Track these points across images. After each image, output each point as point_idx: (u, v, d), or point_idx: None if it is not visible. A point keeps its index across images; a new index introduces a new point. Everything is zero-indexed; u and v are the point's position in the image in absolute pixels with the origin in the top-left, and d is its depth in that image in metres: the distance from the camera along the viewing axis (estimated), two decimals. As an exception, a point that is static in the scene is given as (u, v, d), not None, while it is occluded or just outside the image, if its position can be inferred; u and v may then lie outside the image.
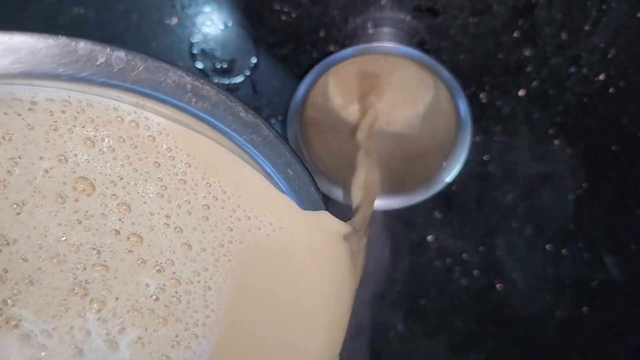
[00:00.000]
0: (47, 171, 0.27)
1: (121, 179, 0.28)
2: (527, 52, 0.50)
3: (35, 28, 0.49)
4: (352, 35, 0.50)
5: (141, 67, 0.27)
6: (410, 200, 0.46)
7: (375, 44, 0.42)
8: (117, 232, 0.28)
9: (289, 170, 0.29)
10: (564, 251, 0.57)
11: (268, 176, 0.29)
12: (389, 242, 0.58)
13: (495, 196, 0.56)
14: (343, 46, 0.51)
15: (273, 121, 0.54)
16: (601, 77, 0.51)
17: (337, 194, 0.48)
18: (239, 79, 0.53)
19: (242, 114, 0.28)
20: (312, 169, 0.47)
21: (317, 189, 0.30)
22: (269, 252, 0.29)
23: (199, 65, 0.52)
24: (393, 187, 0.47)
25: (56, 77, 0.25)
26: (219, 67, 0.52)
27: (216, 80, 0.53)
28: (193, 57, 0.52)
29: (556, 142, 0.53)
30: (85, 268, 0.29)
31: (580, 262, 0.58)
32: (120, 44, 0.51)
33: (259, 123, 0.28)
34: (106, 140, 0.27)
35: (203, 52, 0.52)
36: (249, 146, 0.28)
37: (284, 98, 0.53)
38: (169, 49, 0.52)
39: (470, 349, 0.63)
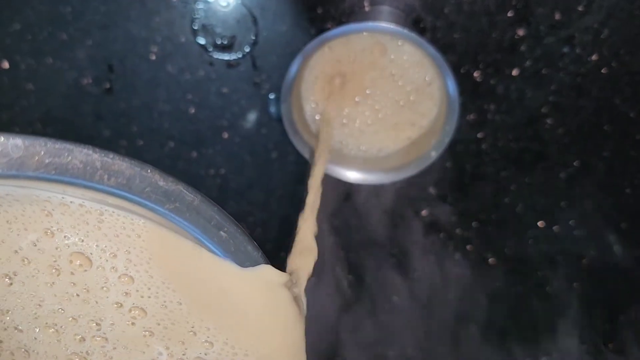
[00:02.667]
0: (35, 244, 0.26)
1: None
2: (520, 32, 0.51)
3: (44, 3, 0.50)
4: (349, 13, 0.51)
5: (42, 152, 0.25)
6: (399, 175, 0.48)
7: (364, 23, 0.43)
8: (120, 304, 0.28)
9: (222, 232, 0.28)
10: (555, 228, 0.59)
11: (201, 243, 0.28)
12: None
13: (489, 173, 0.57)
14: (340, 23, 0.52)
15: (272, 97, 0.55)
16: (594, 57, 0.51)
17: (331, 169, 0.49)
18: (239, 55, 0.54)
19: (161, 182, 0.26)
20: (302, 144, 0.48)
21: (255, 245, 0.29)
22: (221, 313, 0.29)
23: (200, 40, 0.54)
24: (384, 163, 0.48)
25: None
26: (219, 43, 0.54)
27: (217, 56, 0.54)
28: (194, 32, 0.53)
29: (549, 120, 0.54)
30: (84, 339, 0.28)
31: (571, 239, 0.59)
32: (123, 20, 0.53)
33: (181, 189, 0.27)
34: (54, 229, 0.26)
35: (204, 28, 0.53)
36: (174, 216, 0.27)
37: (284, 74, 0.54)
38: (171, 25, 0.53)
39: (462, 322, 0.64)
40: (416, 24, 0.51)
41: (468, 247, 0.60)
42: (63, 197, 0.26)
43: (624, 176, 0.56)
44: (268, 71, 0.54)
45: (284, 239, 0.61)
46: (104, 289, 0.27)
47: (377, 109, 0.47)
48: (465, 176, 0.57)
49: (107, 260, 0.27)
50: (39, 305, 0.27)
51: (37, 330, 0.28)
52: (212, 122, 0.57)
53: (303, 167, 0.58)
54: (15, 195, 0.25)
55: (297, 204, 0.59)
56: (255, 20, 0.53)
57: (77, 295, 0.27)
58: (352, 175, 0.49)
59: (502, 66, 0.52)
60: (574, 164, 0.56)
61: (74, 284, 0.27)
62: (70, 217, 0.26)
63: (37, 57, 0.56)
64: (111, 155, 0.25)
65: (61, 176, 0.25)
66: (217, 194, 0.60)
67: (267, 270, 0.29)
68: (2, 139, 0.24)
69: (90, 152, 0.25)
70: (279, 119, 0.56)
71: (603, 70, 0.52)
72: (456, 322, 0.64)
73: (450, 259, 0.61)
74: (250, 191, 0.60)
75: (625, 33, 0.50)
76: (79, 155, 0.25)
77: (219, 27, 0.53)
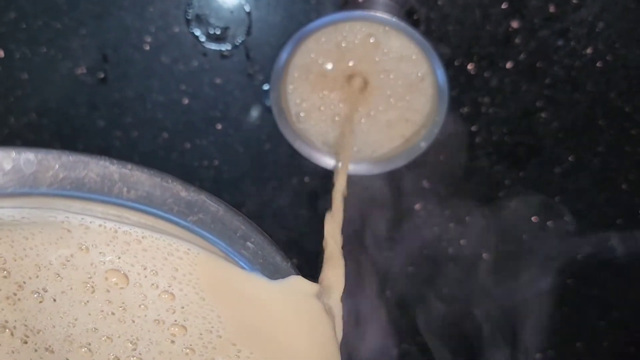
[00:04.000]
0: (68, 259, 0.25)
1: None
2: (515, 24, 0.51)
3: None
4: (343, 4, 0.51)
5: (56, 166, 0.24)
6: (389, 166, 0.47)
7: (356, 12, 0.42)
8: (159, 322, 0.27)
9: (249, 243, 0.27)
10: (549, 223, 0.58)
11: (226, 256, 0.26)
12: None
13: (483, 167, 0.57)
14: (333, 13, 0.52)
15: (266, 88, 0.55)
16: (589, 50, 0.51)
17: (322, 160, 0.49)
18: (232, 46, 0.54)
19: (183, 193, 0.25)
20: (293, 134, 0.48)
21: (283, 255, 0.28)
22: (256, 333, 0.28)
23: (194, 31, 0.53)
24: (374, 153, 0.48)
25: None
26: (212, 33, 0.53)
27: (210, 46, 0.54)
28: (188, 23, 0.53)
29: (543, 114, 0.54)
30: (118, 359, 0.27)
31: (565, 234, 0.58)
32: (117, 10, 0.53)
33: (204, 199, 0.25)
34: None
35: (198, 18, 0.53)
36: (198, 228, 0.26)
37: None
38: (165, 15, 0.53)
39: (456, 317, 0.64)
40: (409, 16, 0.51)
41: (461, 242, 0.60)
42: (82, 218, 0.25)
43: (619, 171, 0.56)
44: (261, 62, 0.54)
45: (278, 230, 0.61)
46: (142, 306, 0.26)
47: (369, 107, 0.47)
48: (459, 170, 0.57)
49: (145, 277, 0.26)
50: (72, 324, 0.26)
51: (69, 351, 0.26)
52: (205, 113, 0.57)
53: (296, 158, 0.58)
54: (31, 217, 0.24)
55: (291, 195, 0.59)
56: (248, 11, 0.53)
57: (113, 313, 0.26)
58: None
59: (496, 59, 0.52)
60: (569, 158, 0.55)
61: (110, 301, 0.26)
62: (99, 235, 0.25)
63: (31, 47, 0.56)
64: (129, 166, 0.24)
65: (77, 191, 0.24)
66: (210, 185, 0.60)
67: (298, 282, 0.28)
68: (14, 154, 0.23)
69: (107, 163, 0.24)
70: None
71: (598, 64, 0.51)
72: (450, 318, 0.64)
73: (444, 254, 0.61)
74: (244, 182, 0.60)
75: (620, 26, 0.50)
76: (95, 167, 0.24)
77: (213, 18, 0.53)
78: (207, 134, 0.58)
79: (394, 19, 0.41)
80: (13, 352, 0.26)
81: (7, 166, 0.23)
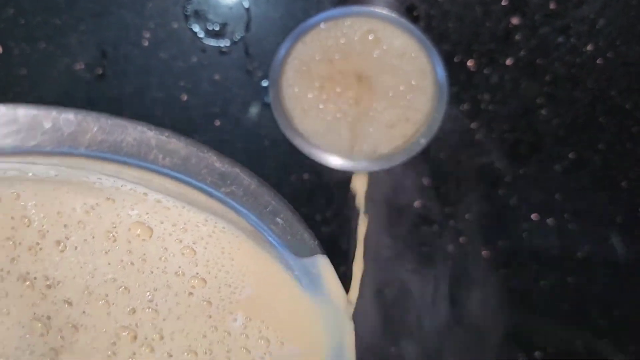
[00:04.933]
0: (94, 207, 0.25)
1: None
2: (515, 21, 0.50)
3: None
4: (343, 0, 0.51)
5: (95, 128, 0.24)
6: (388, 163, 0.47)
7: (353, 8, 0.42)
8: (179, 274, 0.27)
9: (278, 219, 0.27)
10: (549, 221, 0.58)
11: (254, 230, 0.27)
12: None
13: (483, 164, 0.56)
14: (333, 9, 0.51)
15: (265, 84, 0.55)
16: (589, 47, 0.51)
17: (322, 157, 0.49)
18: (231, 42, 0.54)
19: (218, 164, 0.26)
20: (292, 131, 0.48)
21: (311, 233, 0.28)
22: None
23: (192, 27, 0.53)
24: (374, 153, 0.48)
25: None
26: (211, 29, 0.53)
27: (209, 42, 0.54)
28: (187, 19, 0.53)
29: (543, 111, 0.54)
30: (134, 311, 0.27)
31: (565, 232, 0.58)
32: (116, 7, 0.52)
33: (238, 172, 0.26)
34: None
35: (196, 14, 0.53)
36: (230, 200, 0.26)
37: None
38: (163, 11, 0.53)
39: (455, 315, 0.64)
40: (410, 12, 0.51)
41: (461, 239, 0.60)
42: (115, 181, 0.25)
43: (620, 169, 0.55)
44: (260, 58, 0.54)
45: (276, 228, 0.61)
46: (163, 259, 0.27)
47: (369, 105, 0.46)
48: (459, 167, 0.57)
49: (170, 234, 0.26)
50: (92, 275, 0.26)
51: (87, 302, 0.27)
52: (204, 109, 0.57)
53: (295, 155, 0.58)
54: (64, 176, 0.24)
55: (289, 192, 0.59)
56: (247, 7, 0.52)
57: (132, 264, 0.27)
58: (337, 162, 0.48)
59: (496, 56, 0.52)
60: (569, 156, 0.55)
61: (130, 252, 0.26)
62: (129, 196, 0.25)
63: (30, 43, 0.55)
64: (166, 134, 0.25)
65: (114, 155, 0.24)
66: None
67: (332, 287, 0.28)
68: (54, 113, 0.23)
69: (145, 129, 0.24)
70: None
71: (598, 61, 0.51)
72: (449, 315, 0.64)
73: (443, 252, 0.61)
74: (243, 180, 0.59)
75: (621, 23, 0.50)
76: (133, 132, 0.24)
77: (212, 14, 0.53)
78: (206, 131, 0.58)
79: (394, 15, 0.41)
80: (33, 305, 0.26)
81: (47, 125, 0.23)
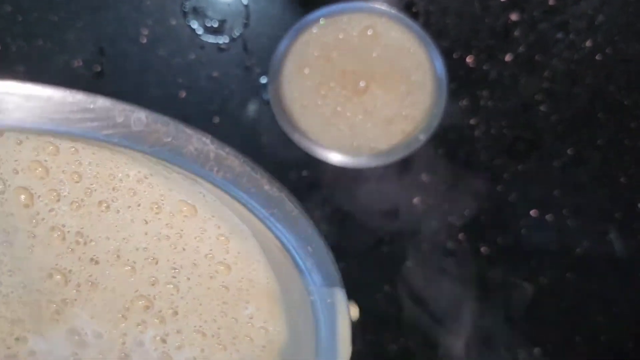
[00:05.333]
0: (147, 177, 0.27)
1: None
2: (514, 17, 0.50)
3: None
4: (341, -3, 0.51)
5: (162, 131, 0.26)
6: (388, 159, 0.47)
7: (352, 4, 0.42)
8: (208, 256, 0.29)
9: (309, 247, 0.28)
10: (548, 217, 0.58)
11: (288, 251, 0.28)
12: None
13: (482, 160, 0.56)
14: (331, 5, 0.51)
15: (264, 81, 0.55)
16: (588, 43, 0.51)
17: (320, 153, 0.49)
18: (229, 39, 0.54)
19: (266, 187, 0.28)
20: (291, 127, 0.48)
21: (336, 268, 0.30)
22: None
23: (191, 23, 0.53)
24: (373, 149, 0.48)
25: (69, 132, 0.24)
26: (210, 26, 0.53)
27: (207, 39, 0.54)
28: (185, 15, 0.53)
29: (542, 107, 0.54)
30: (157, 282, 0.29)
31: (564, 228, 0.58)
32: (114, 2, 0.52)
33: (283, 197, 0.28)
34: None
35: (195, 11, 0.53)
36: (272, 220, 0.27)
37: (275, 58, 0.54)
38: (161, 7, 0.53)
39: (454, 312, 0.64)
40: (408, 8, 0.51)
41: (460, 235, 0.60)
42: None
43: (619, 165, 0.55)
44: (259, 55, 0.54)
45: (275, 225, 0.61)
46: (197, 239, 0.28)
47: (368, 101, 0.46)
48: (458, 163, 0.57)
49: (211, 218, 0.28)
50: (126, 240, 0.28)
51: (112, 265, 0.28)
52: (202, 106, 0.57)
53: (294, 152, 0.58)
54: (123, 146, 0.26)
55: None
56: (246, 3, 0.52)
57: (168, 237, 0.28)
58: (336, 158, 0.48)
59: (495, 52, 0.52)
60: (568, 152, 0.55)
61: (170, 226, 0.28)
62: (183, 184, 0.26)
63: (28, 39, 0.55)
64: (227, 150, 0.27)
65: (173, 159, 0.25)
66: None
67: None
68: (128, 109, 0.25)
69: (208, 142, 0.26)
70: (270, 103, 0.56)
71: (597, 57, 0.51)
72: (449, 311, 0.64)
73: (442, 248, 0.61)
74: (242, 177, 0.59)
75: (620, 19, 0.50)
76: (196, 142, 0.26)
77: (210, 10, 0.53)
78: (204, 128, 0.57)
79: (393, 11, 0.41)
80: (57, 255, 0.27)
81: (119, 119, 0.25)
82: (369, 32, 0.44)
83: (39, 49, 0.55)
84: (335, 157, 0.48)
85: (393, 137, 0.47)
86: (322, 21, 0.43)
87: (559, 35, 0.51)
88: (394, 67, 0.45)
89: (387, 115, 0.46)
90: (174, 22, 0.53)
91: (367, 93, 0.46)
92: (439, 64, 0.43)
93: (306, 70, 0.46)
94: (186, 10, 0.53)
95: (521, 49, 0.51)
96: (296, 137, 0.47)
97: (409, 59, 0.45)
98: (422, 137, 0.45)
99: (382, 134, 0.47)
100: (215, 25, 0.53)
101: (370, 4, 0.43)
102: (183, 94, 0.56)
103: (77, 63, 0.56)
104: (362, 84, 0.46)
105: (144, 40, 0.54)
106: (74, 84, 0.56)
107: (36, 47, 0.55)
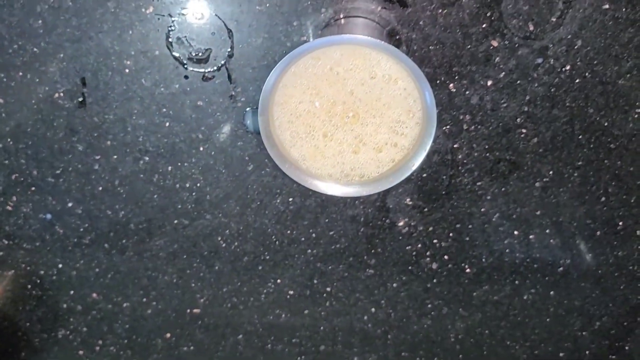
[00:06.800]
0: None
1: None
2: (495, 43, 0.51)
3: (14, 16, 0.50)
4: (324, 25, 0.51)
5: None
6: (378, 187, 0.47)
7: (341, 36, 0.42)
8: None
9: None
10: (531, 237, 0.59)
11: None
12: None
13: (465, 183, 0.57)
14: (316, 36, 0.52)
15: (247, 109, 0.55)
16: (567, 68, 0.52)
17: (310, 182, 0.49)
18: (214, 68, 0.54)
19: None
20: (280, 157, 0.48)
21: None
22: None
23: (175, 53, 0.53)
24: (362, 178, 0.48)
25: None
26: (194, 55, 0.53)
27: (192, 68, 0.54)
28: (169, 45, 0.53)
29: (523, 130, 0.55)
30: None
31: (547, 247, 0.59)
32: (96, 33, 0.52)
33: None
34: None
35: (179, 41, 0.53)
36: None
37: (259, 86, 0.54)
38: (145, 38, 0.53)
39: (442, 330, 0.64)
40: (391, 37, 0.51)
41: (445, 257, 0.61)
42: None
43: (599, 185, 0.57)
44: (244, 84, 0.54)
45: (262, 252, 0.61)
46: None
47: (358, 130, 0.47)
48: (442, 186, 0.58)
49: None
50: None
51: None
52: (187, 135, 0.56)
53: (280, 179, 0.58)
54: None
55: (275, 215, 0.59)
56: (230, 33, 0.52)
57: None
58: (329, 188, 0.48)
59: (477, 77, 0.53)
60: (549, 173, 0.56)
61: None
62: None
63: (7, 71, 0.55)
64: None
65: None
66: (193, 207, 0.59)
67: None
68: None
69: None
70: (257, 132, 0.56)
71: (577, 81, 0.52)
72: (435, 331, 0.64)
73: (428, 269, 0.61)
74: (227, 204, 0.59)
75: (598, 44, 0.51)
76: None
77: (194, 40, 0.53)
78: (189, 156, 0.57)
79: (382, 42, 0.42)
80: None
81: None
82: (358, 63, 0.45)
83: (19, 80, 0.55)
84: (325, 187, 0.48)
85: (383, 165, 0.47)
86: (310, 54, 0.44)
87: (539, 60, 0.52)
88: (383, 97, 0.45)
89: (377, 144, 0.47)
90: (157, 53, 0.53)
91: (356, 122, 0.46)
92: (429, 94, 0.43)
93: (295, 101, 0.46)
94: (170, 40, 0.53)
95: (502, 74, 0.52)
96: (286, 167, 0.47)
97: (398, 89, 0.45)
98: (413, 166, 0.46)
99: (372, 163, 0.47)
100: (200, 55, 0.53)
101: (359, 36, 0.43)
102: (167, 124, 0.56)
103: (59, 94, 0.55)
104: (351, 113, 0.46)
105: (127, 71, 0.54)
106: (55, 114, 0.55)
107: (15, 79, 0.55)
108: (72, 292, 0.65)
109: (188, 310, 0.65)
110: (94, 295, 0.65)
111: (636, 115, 0.53)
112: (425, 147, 0.46)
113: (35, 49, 0.54)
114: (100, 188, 0.59)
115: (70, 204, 0.60)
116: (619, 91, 0.53)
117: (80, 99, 0.56)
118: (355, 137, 0.47)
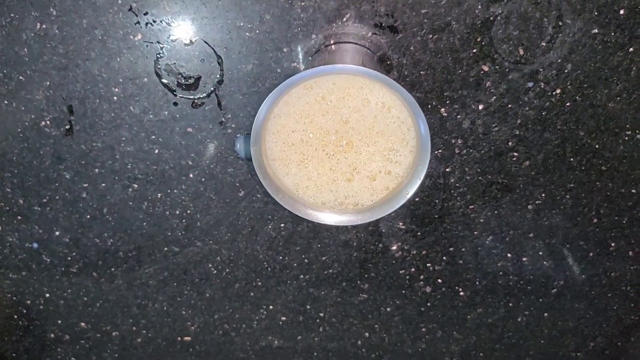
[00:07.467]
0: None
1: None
2: (485, 68, 0.51)
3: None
4: (315, 51, 0.51)
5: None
6: (373, 216, 0.47)
7: (333, 66, 0.42)
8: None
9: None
10: (524, 259, 0.59)
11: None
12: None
13: (457, 206, 0.57)
14: (306, 62, 0.51)
15: (238, 135, 0.54)
16: (558, 91, 0.52)
17: (304, 211, 0.48)
18: (204, 94, 0.53)
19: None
20: (274, 188, 0.47)
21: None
22: None
23: (164, 80, 0.52)
24: (357, 206, 0.48)
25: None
26: (183, 82, 0.53)
27: (181, 95, 0.53)
28: (158, 72, 0.52)
29: (515, 154, 0.54)
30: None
31: (540, 269, 0.59)
32: (83, 61, 0.51)
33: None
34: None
35: (168, 68, 0.52)
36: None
37: (249, 113, 0.53)
38: (133, 65, 0.52)
39: (436, 354, 0.64)
40: (382, 62, 0.51)
41: (439, 280, 0.60)
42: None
43: (590, 206, 0.57)
44: (234, 110, 0.54)
45: (253, 278, 0.60)
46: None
47: (352, 158, 0.46)
48: (435, 210, 0.57)
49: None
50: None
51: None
52: (177, 162, 0.56)
53: (271, 205, 0.57)
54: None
55: (267, 241, 0.59)
56: (220, 60, 0.52)
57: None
58: (323, 217, 0.48)
59: (468, 101, 0.52)
60: (541, 195, 0.56)
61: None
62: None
63: (-8, 100, 0.54)
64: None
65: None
66: (183, 234, 0.59)
67: None
68: None
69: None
70: (247, 159, 0.55)
71: (567, 104, 0.52)
72: (429, 354, 0.64)
73: (421, 293, 0.61)
74: (218, 230, 0.58)
75: (588, 68, 0.51)
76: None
77: (183, 67, 0.52)
78: (179, 183, 0.57)
79: (376, 72, 0.41)
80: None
81: None
82: (351, 92, 0.44)
83: (4, 108, 0.54)
84: (319, 215, 0.48)
85: (377, 193, 0.47)
86: (303, 83, 0.43)
87: (530, 84, 0.52)
88: (377, 125, 0.45)
89: (371, 172, 0.46)
90: (146, 80, 0.53)
91: (350, 151, 0.46)
92: (423, 124, 0.43)
93: (288, 130, 0.46)
94: (159, 67, 0.52)
95: (493, 98, 0.52)
96: (279, 197, 0.46)
97: (392, 117, 0.45)
98: (408, 194, 0.45)
99: (366, 191, 0.47)
100: (190, 81, 0.53)
101: (352, 66, 0.43)
102: (156, 150, 0.55)
103: (45, 122, 0.54)
104: (344, 142, 0.46)
105: (115, 98, 0.53)
106: (42, 142, 0.54)
107: (1, 106, 0.54)
108: (59, 321, 0.64)
109: (179, 338, 0.64)
110: (82, 324, 0.64)
111: (626, 137, 0.54)
112: (419, 175, 0.45)
113: (21, 77, 0.53)
114: (88, 216, 0.58)
115: (57, 233, 0.59)
116: (609, 114, 0.53)
117: (67, 127, 0.55)
118: (349, 165, 0.47)
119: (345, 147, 0.46)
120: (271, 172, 0.47)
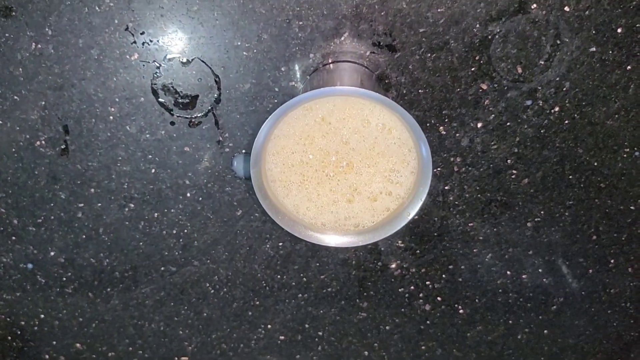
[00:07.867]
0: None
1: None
2: (484, 86, 0.51)
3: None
4: (313, 71, 0.51)
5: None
6: (374, 237, 0.47)
7: (333, 88, 0.42)
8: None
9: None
10: (524, 276, 0.59)
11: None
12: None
13: (456, 224, 0.57)
14: (304, 81, 0.51)
15: (236, 154, 0.54)
16: (556, 109, 0.52)
17: (304, 232, 0.48)
18: (201, 113, 0.53)
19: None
20: (274, 209, 0.47)
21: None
22: None
23: (161, 99, 0.52)
24: (357, 227, 0.47)
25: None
26: (180, 101, 0.52)
27: (178, 114, 0.53)
28: (154, 91, 0.52)
29: (514, 171, 0.54)
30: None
31: (540, 286, 0.59)
32: (79, 81, 0.51)
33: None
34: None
35: (165, 87, 0.52)
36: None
37: (247, 132, 0.53)
38: (130, 84, 0.52)
39: (435, 373, 0.63)
40: (381, 81, 0.51)
41: (438, 298, 0.60)
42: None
43: (590, 223, 0.56)
44: (231, 129, 0.53)
45: (251, 297, 0.60)
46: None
47: (352, 179, 0.46)
48: (434, 228, 0.57)
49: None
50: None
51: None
52: (173, 181, 0.55)
53: (269, 224, 0.57)
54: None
55: (265, 260, 0.58)
56: (217, 79, 0.52)
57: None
58: (323, 239, 0.48)
59: (467, 120, 0.52)
60: (540, 213, 0.56)
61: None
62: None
63: (-14, 119, 0.53)
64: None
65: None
66: (180, 254, 0.58)
67: None
68: None
69: None
70: (246, 178, 0.55)
71: (566, 122, 0.52)
72: (428, 372, 0.64)
73: (421, 311, 0.61)
74: (215, 249, 0.58)
75: (586, 86, 0.51)
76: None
77: (180, 86, 0.52)
78: (176, 202, 0.56)
79: (376, 94, 0.41)
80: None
81: None
82: (351, 113, 0.44)
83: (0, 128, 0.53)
84: (319, 237, 0.48)
85: (377, 214, 0.47)
86: (303, 105, 0.43)
87: (528, 102, 0.52)
88: (377, 146, 0.45)
89: (372, 193, 0.46)
90: (142, 99, 0.52)
91: (350, 172, 0.45)
92: (424, 146, 0.43)
93: (288, 151, 0.45)
94: (156, 86, 0.52)
95: (492, 116, 0.52)
96: (279, 219, 0.46)
97: (393, 138, 0.45)
98: (409, 215, 0.45)
99: (367, 212, 0.47)
100: (187, 100, 0.52)
101: (351, 88, 0.42)
102: (153, 170, 0.55)
103: (40, 142, 0.54)
104: (345, 162, 0.45)
105: (111, 118, 0.53)
106: (37, 162, 0.54)
107: (-4, 127, 0.53)
108: (54, 342, 0.63)
109: (176, 359, 0.63)
110: (78, 345, 0.63)
111: (625, 155, 0.54)
112: (421, 196, 0.45)
113: (15, 97, 0.52)
114: (84, 236, 0.58)
115: (52, 253, 0.58)
116: (607, 131, 0.53)
117: (63, 147, 0.54)
118: (350, 186, 0.46)
119: (346, 168, 0.46)
120: (271, 193, 0.47)
